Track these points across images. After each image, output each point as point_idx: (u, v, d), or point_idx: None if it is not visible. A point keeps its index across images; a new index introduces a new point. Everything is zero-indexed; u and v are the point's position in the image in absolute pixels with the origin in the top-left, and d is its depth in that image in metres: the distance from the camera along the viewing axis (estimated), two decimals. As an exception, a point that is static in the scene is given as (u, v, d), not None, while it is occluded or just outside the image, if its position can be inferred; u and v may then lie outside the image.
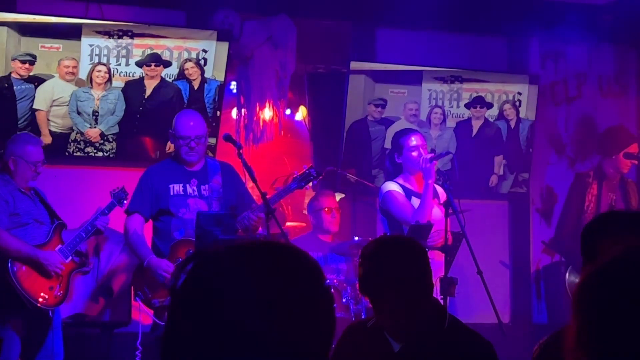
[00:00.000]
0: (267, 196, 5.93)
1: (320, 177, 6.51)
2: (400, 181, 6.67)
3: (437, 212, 6.48)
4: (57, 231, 6.32)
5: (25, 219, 6.22)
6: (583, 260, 2.86)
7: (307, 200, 8.94)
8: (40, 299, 6.10)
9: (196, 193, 6.26)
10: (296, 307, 1.45)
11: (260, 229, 6.18)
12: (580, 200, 8.24)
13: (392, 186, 6.63)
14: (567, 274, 7.94)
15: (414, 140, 6.62)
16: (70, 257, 6.29)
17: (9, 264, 6.06)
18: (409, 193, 6.62)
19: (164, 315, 6.01)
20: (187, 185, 6.27)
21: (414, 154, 6.60)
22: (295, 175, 6.42)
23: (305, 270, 1.51)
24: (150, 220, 6.34)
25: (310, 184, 6.54)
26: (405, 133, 6.80)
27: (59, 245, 6.27)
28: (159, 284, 6.05)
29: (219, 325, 1.42)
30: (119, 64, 7.35)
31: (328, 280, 6.67)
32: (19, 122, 7.14)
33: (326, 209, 7.44)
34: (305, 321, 1.46)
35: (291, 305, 1.45)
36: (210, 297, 1.44)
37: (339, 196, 8.09)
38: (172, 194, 6.24)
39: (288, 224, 7.91)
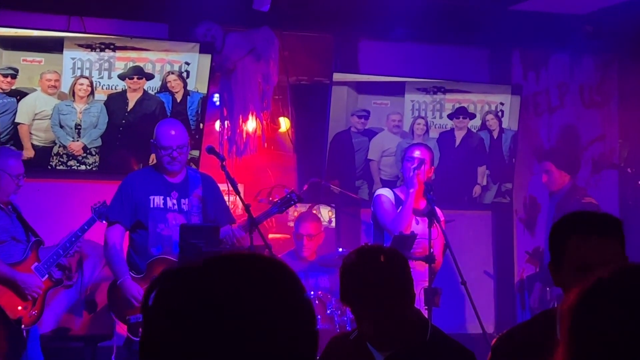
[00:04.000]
0: (245, 219, 5.91)
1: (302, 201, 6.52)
2: (397, 190, 6.78)
3: (424, 229, 6.50)
4: (34, 249, 6.25)
5: (2, 237, 6.15)
6: (551, 258, 2.92)
7: (291, 211, 8.93)
8: (15, 319, 6.06)
9: (176, 207, 6.20)
10: (274, 320, 1.42)
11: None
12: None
13: (383, 191, 6.80)
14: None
15: (414, 153, 6.71)
16: (46, 275, 6.24)
17: None
18: (399, 202, 6.67)
19: (138, 331, 5.98)
20: (168, 198, 6.20)
21: (409, 164, 6.67)
22: (276, 200, 6.40)
23: (281, 281, 1.48)
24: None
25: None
26: (412, 145, 7.00)
27: (35, 263, 6.21)
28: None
29: (192, 343, 1.40)
30: (102, 77, 7.34)
31: (311, 293, 6.68)
32: (1, 136, 7.11)
33: (298, 235, 7.37)
34: (285, 334, 1.43)
35: (268, 319, 1.42)
36: (182, 315, 1.41)
37: (326, 212, 8.08)
38: (152, 206, 6.18)
39: (271, 236, 7.89)
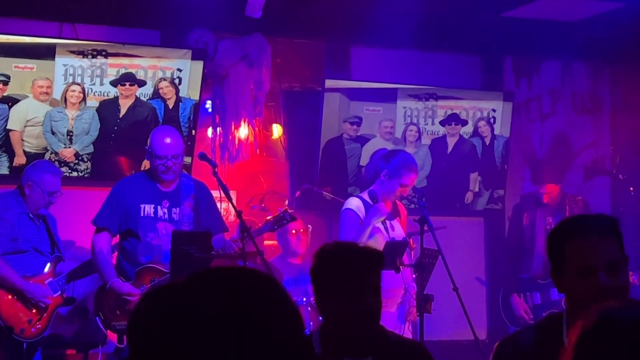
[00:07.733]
0: (239, 238, 5.82)
1: (294, 220, 6.43)
2: (366, 196, 6.42)
3: (401, 231, 6.44)
4: (53, 264, 6.30)
5: (24, 247, 6.19)
6: (551, 265, 2.90)
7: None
8: (17, 330, 6.05)
9: (166, 216, 6.18)
10: (270, 331, 1.40)
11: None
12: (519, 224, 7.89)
13: (351, 205, 6.42)
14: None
15: (411, 180, 6.37)
16: (59, 291, 6.26)
17: None
18: (369, 208, 6.39)
19: (122, 339, 5.98)
20: (159, 207, 6.18)
21: (400, 189, 6.36)
22: (268, 218, 6.29)
23: (270, 295, 1.46)
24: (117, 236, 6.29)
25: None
26: (410, 168, 6.40)
27: (50, 278, 6.24)
28: (119, 307, 6.01)
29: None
30: (94, 84, 7.33)
31: (304, 300, 6.66)
32: (-7, 143, 7.12)
33: (293, 232, 7.42)
34: (282, 344, 1.41)
35: (265, 330, 1.40)
36: (165, 337, 1.38)
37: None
38: (142, 215, 6.15)
39: (265, 242, 7.88)
